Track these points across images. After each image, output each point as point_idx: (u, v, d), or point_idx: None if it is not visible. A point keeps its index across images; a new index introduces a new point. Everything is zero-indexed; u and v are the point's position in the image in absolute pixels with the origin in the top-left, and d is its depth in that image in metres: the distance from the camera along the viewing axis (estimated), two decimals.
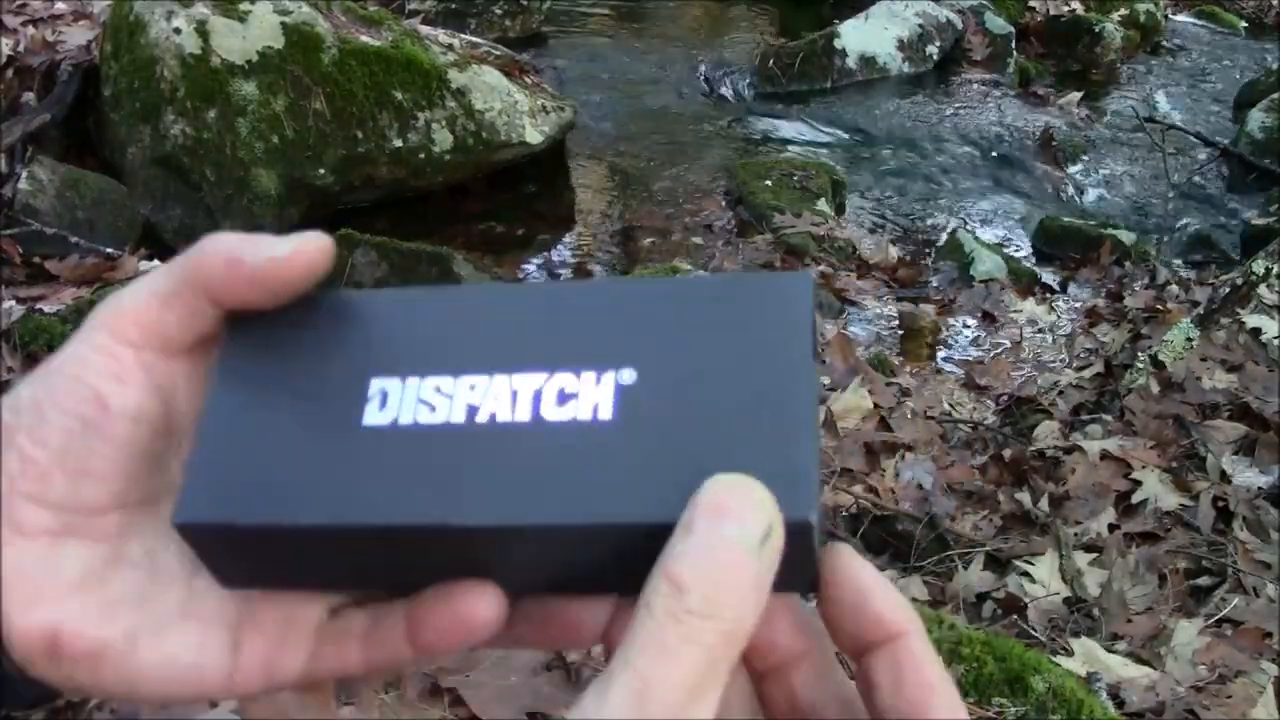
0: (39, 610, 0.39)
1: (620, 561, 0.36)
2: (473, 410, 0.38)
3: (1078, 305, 3.60)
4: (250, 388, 0.40)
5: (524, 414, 0.37)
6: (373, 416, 0.38)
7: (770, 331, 0.38)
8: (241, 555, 0.39)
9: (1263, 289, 2.78)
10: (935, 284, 3.64)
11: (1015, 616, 2.02)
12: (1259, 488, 2.32)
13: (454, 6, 4.97)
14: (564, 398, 0.37)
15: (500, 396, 0.38)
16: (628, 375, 0.37)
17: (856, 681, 0.39)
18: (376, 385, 0.39)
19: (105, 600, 0.40)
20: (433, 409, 0.38)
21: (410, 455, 0.37)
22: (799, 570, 0.36)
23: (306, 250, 0.40)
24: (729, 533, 0.33)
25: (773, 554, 0.33)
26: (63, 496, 0.39)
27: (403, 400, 0.38)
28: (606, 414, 0.37)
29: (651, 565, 0.33)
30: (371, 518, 0.37)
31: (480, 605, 0.38)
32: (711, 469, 0.34)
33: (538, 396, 0.37)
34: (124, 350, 0.40)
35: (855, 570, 0.38)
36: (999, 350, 3.29)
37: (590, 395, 0.37)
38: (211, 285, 0.40)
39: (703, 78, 5.04)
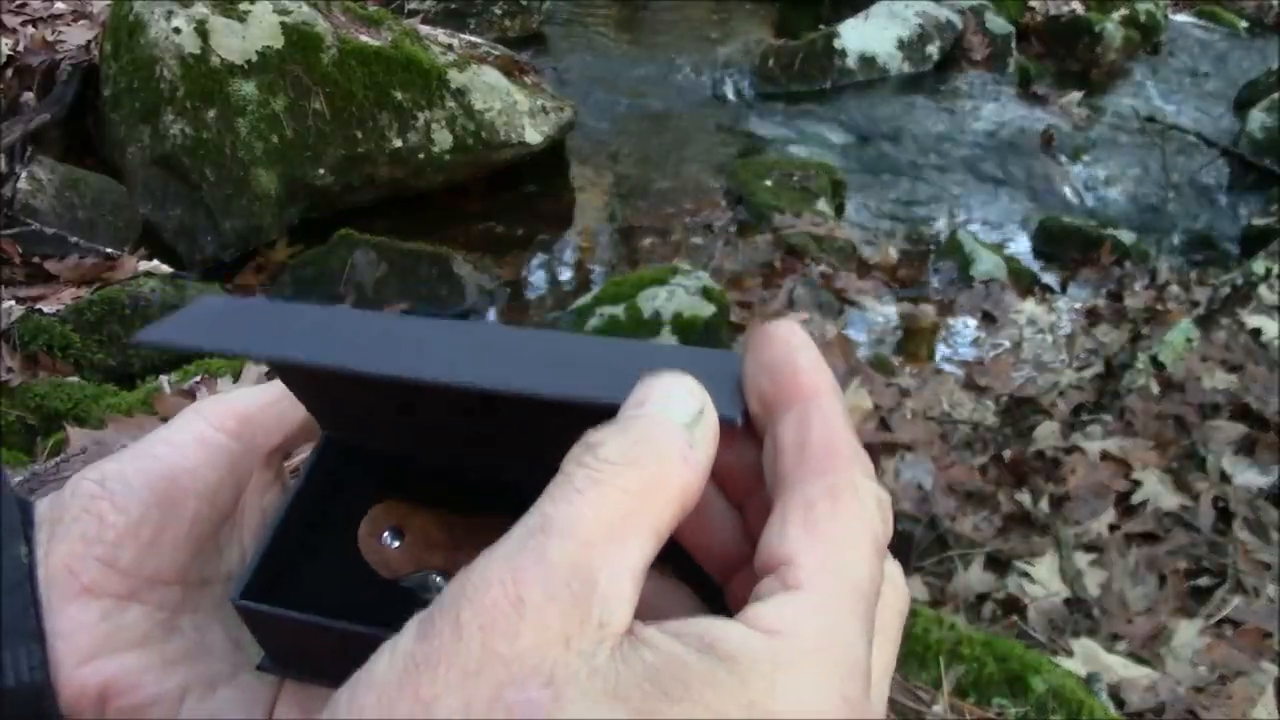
0: (97, 664, 0.41)
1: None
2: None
3: (1078, 305, 3.60)
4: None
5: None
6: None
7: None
8: (288, 635, 0.43)
9: (1263, 289, 2.78)
10: (935, 284, 3.64)
11: (1015, 617, 2.02)
12: (1259, 488, 2.32)
13: (454, 6, 4.97)
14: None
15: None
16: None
17: (764, 455, 0.36)
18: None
19: (163, 658, 0.43)
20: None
21: (381, 331, 0.42)
22: None
23: None
24: (652, 408, 0.33)
25: (707, 432, 0.33)
26: (132, 563, 0.42)
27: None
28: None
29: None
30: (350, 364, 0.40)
31: None
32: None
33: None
34: (216, 437, 0.44)
35: (790, 329, 0.37)
36: (999, 350, 3.29)
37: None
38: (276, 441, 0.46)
39: (703, 78, 5.04)
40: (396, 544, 0.44)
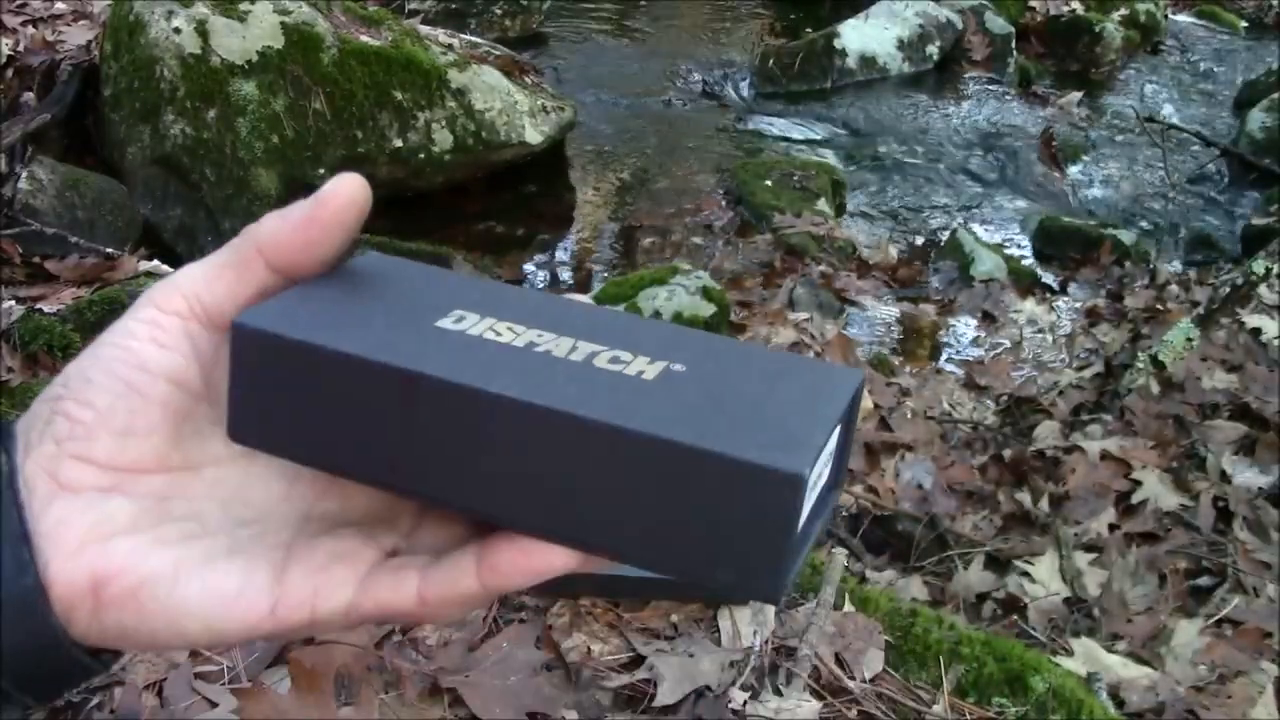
0: (85, 555, 0.40)
1: (613, 475, 0.38)
2: (533, 344, 0.42)
3: (1078, 305, 3.60)
4: (328, 291, 0.44)
5: (576, 358, 0.41)
6: (445, 324, 0.42)
7: (820, 387, 0.42)
8: (276, 384, 0.41)
9: (1263, 289, 2.78)
10: (935, 284, 3.64)
11: (1015, 616, 2.02)
12: (1259, 488, 2.32)
13: (454, 6, 4.97)
14: (616, 361, 0.41)
15: (561, 345, 0.42)
16: (679, 367, 0.41)
17: None
18: (457, 312, 0.43)
19: (153, 540, 0.41)
20: (499, 334, 0.42)
21: (463, 348, 0.41)
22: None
23: (342, 186, 0.42)
24: None
25: None
26: (108, 454, 0.41)
27: (476, 324, 0.43)
28: (647, 378, 0.41)
29: (660, 485, 0.37)
30: (403, 362, 0.40)
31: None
32: (725, 417, 0.38)
33: (594, 354, 0.42)
34: (168, 319, 0.42)
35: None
36: (999, 350, 3.29)
37: (639, 365, 0.41)
38: (262, 240, 0.43)
39: (703, 78, 5.04)
40: None
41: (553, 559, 0.39)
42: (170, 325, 0.42)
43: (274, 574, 0.42)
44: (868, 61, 5.09)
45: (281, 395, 0.41)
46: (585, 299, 0.47)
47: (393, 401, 0.40)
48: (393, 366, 0.40)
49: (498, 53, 4.05)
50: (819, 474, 0.40)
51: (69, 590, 0.40)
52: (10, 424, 0.42)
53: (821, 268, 3.52)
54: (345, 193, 0.42)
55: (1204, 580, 2.12)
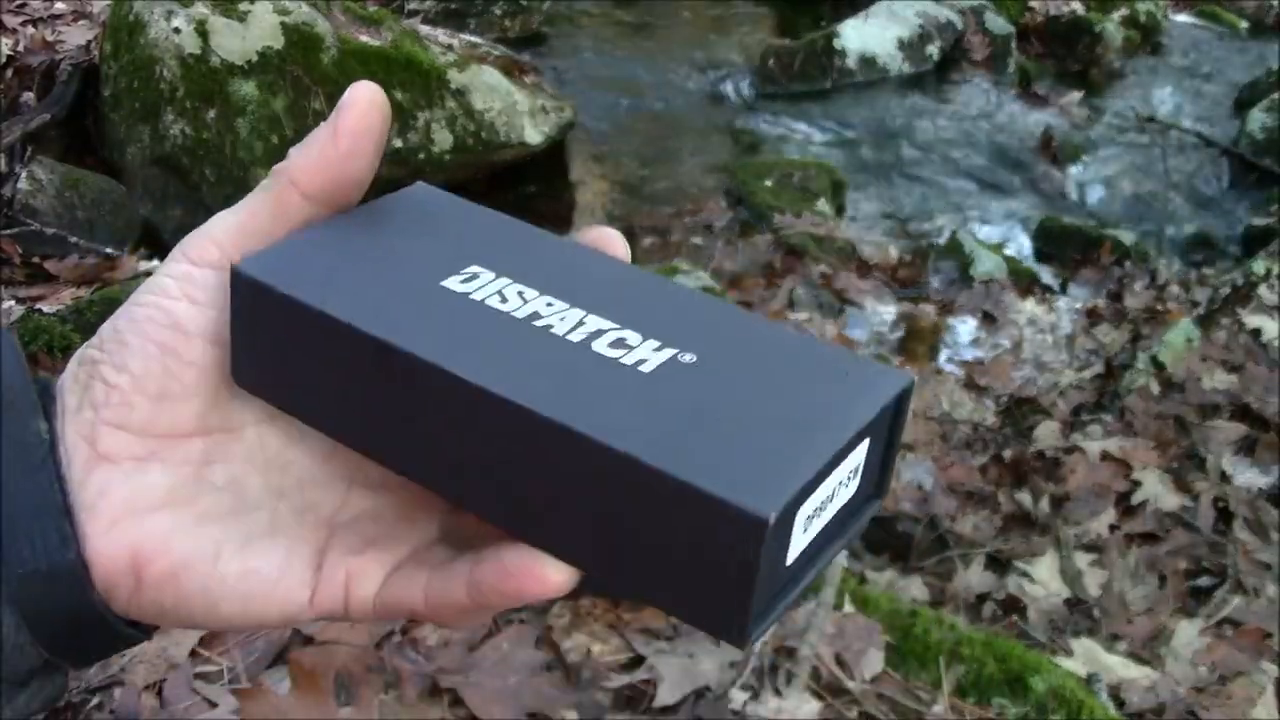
0: (124, 528, 0.39)
1: (583, 481, 0.35)
2: (535, 315, 0.39)
3: (1078, 305, 3.60)
4: (344, 233, 0.42)
5: (575, 337, 0.38)
6: (451, 283, 0.40)
7: (848, 390, 0.37)
8: (268, 334, 0.40)
9: (1263, 289, 2.78)
10: (935, 284, 3.64)
11: (1015, 617, 2.02)
12: (1259, 488, 2.32)
13: (454, 6, 4.97)
14: (619, 345, 0.38)
15: (567, 320, 0.39)
16: (688, 358, 0.38)
17: None
18: (473, 269, 0.41)
19: (192, 515, 0.40)
20: (504, 300, 0.40)
21: (455, 316, 0.39)
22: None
23: (359, 92, 0.41)
24: None
25: None
26: (146, 421, 0.40)
27: (486, 285, 0.40)
28: (645, 369, 0.37)
29: (622, 502, 0.34)
30: (386, 335, 0.38)
31: (548, 566, 0.37)
32: (708, 440, 0.34)
33: (598, 333, 0.39)
34: (202, 272, 0.40)
35: None
36: (999, 350, 3.29)
37: (643, 353, 0.38)
38: (293, 170, 0.42)
39: (703, 78, 5.04)
40: None
41: (532, 585, 0.37)
42: (205, 279, 0.40)
43: (313, 557, 0.41)
44: (868, 61, 5.08)
45: (272, 345, 0.40)
46: (624, 259, 0.44)
47: (369, 369, 0.38)
48: (367, 334, 0.38)
49: (498, 53, 4.05)
50: (820, 502, 0.35)
51: (110, 567, 0.39)
52: (51, 383, 0.41)
53: (821, 268, 3.52)
54: (364, 97, 0.41)
55: (1204, 580, 2.12)
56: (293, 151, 0.43)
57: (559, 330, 0.38)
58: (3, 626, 0.38)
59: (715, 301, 0.41)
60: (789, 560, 0.35)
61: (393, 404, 0.39)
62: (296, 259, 0.40)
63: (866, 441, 0.37)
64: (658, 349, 0.38)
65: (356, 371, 0.39)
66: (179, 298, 0.40)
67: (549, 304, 0.40)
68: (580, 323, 0.39)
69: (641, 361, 0.37)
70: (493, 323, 0.39)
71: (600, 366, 0.37)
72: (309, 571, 0.40)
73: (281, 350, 0.40)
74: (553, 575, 0.36)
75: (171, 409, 0.40)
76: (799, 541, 0.35)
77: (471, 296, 0.40)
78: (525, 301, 0.40)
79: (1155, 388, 2.60)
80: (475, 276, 0.41)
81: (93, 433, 0.39)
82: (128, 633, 0.41)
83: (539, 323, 0.39)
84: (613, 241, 0.44)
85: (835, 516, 0.37)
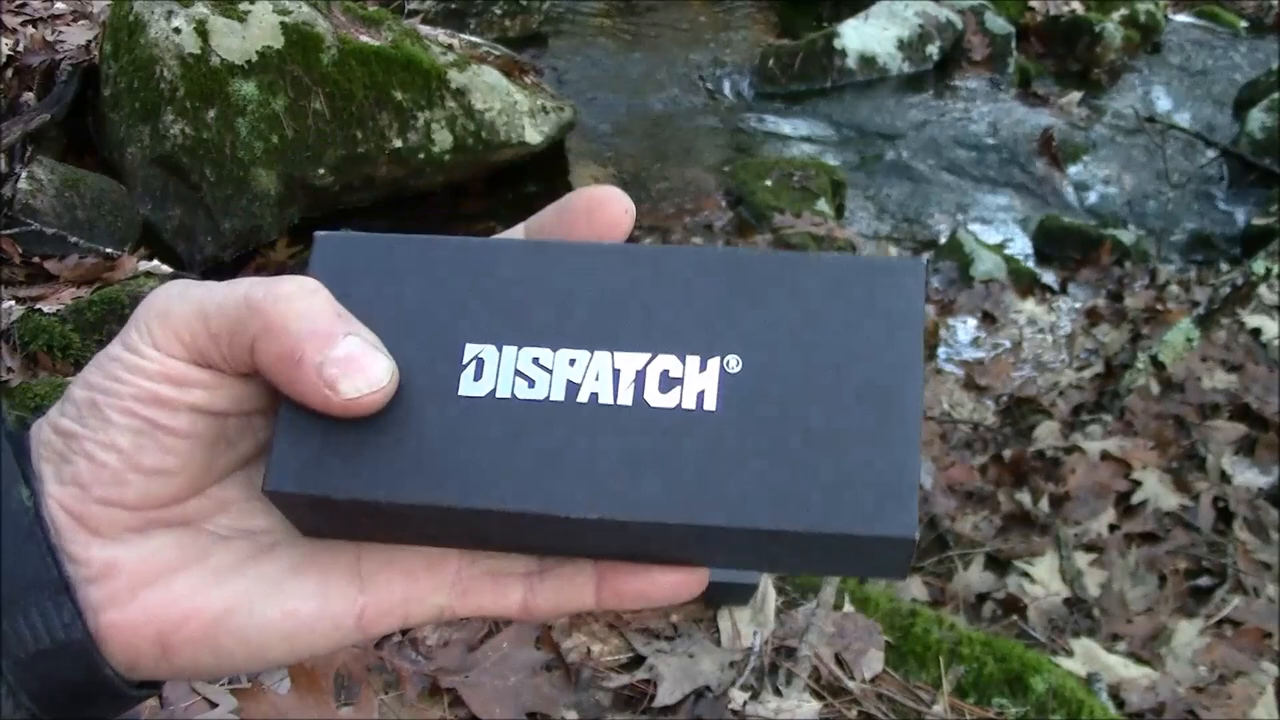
0: (144, 600, 0.38)
1: (710, 548, 0.37)
2: (573, 388, 0.37)
3: (1078, 305, 3.60)
4: None
5: (626, 397, 0.36)
6: (468, 386, 0.37)
7: (879, 321, 0.37)
8: (333, 519, 0.39)
9: (1263, 289, 2.78)
10: (935, 284, 3.64)
11: (1015, 617, 2.02)
12: (1259, 488, 2.32)
13: (454, 6, 4.97)
14: (668, 383, 0.37)
15: (602, 376, 0.37)
16: (733, 363, 0.37)
17: None
18: (472, 351, 0.38)
19: (209, 572, 0.39)
20: (531, 384, 0.37)
21: (508, 432, 0.36)
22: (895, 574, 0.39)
23: (373, 399, 0.37)
24: None
25: None
26: (140, 497, 0.38)
27: (499, 371, 0.37)
28: (711, 404, 0.36)
29: (755, 556, 0.38)
30: (468, 501, 0.36)
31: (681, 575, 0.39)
32: (817, 475, 0.35)
33: (640, 378, 0.37)
34: (173, 362, 0.39)
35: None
36: (999, 350, 3.29)
37: (695, 382, 0.37)
38: (261, 362, 0.38)
39: (703, 78, 5.04)
40: None
41: (678, 589, 0.39)
42: (175, 366, 0.39)
43: (351, 580, 0.40)
44: (868, 61, 5.08)
45: (344, 524, 0.39)
46: (622, 221, 0.41)
47: (457, 530, 0.38)
48: (449, 508, 0.36)
49: (498, 53, 4.05)
50: None
51: (131, 640, 0.38)
52: (25, 437, 0.39)
53: None
54: (368, 406, 0.38)
55: (1204, 580, 2.12)
56: (288, 344, 0.38)
57: (605, 398, 0.36)
58: (1, 710, 0.37)
59: (709, 258, 0.39)
60: None
61: (491, 537, 0.39)
62: (316, 446, 0.37)
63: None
64: (702, 370, 0.36)
65: (445, 529, 0.38)
66: (156, 377, 0.38)
67: (571, 361, 0.37)
68: (616, 372, 0.37)
69: (701, 394, 0.36)
70: (542, 424, 0.36)
71: (673, 428, 0.36)
72: (350, 592, 0.39)
73: (353, 526, 0.39)
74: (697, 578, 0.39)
75: (166, 482, 0.39)
76: None
77: (498, 395, 0.37)
78: (549, 371, 0.37)
79: (1155, 388, 2.61)
80: (481, 364, 0.37)
81: (82, 510, 0.38)
82: (138, 695, 0.40)
83: (580, 398, 0.36)
84: (608, 202, 0.41)
85: None
